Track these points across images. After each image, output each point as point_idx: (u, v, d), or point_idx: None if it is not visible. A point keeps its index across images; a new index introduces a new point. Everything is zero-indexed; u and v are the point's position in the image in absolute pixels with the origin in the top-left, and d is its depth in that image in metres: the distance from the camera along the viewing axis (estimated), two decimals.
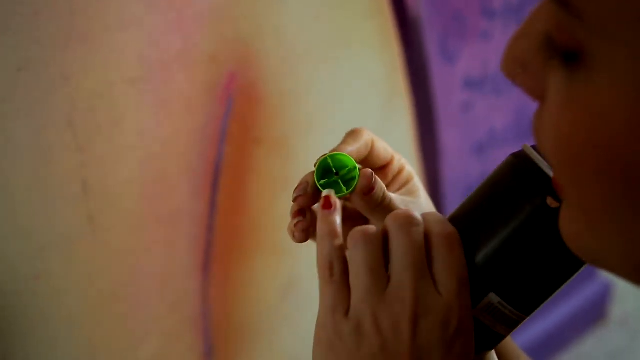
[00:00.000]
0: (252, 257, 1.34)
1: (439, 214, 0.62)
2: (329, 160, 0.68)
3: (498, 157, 1.92)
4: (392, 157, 0.73)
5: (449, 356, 0.57)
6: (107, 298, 1.15)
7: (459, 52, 1.67)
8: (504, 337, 0.63)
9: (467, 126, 1.76)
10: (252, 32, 1.24)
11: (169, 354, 1.25)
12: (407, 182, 0.74)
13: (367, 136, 0.71)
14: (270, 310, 1.40)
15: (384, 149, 0.72)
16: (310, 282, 1.47)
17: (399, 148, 0.76)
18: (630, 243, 0.41)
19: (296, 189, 0.68)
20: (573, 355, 2.29)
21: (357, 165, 0.71)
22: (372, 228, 0.61)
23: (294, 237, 0.68)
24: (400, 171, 0.74)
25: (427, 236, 0.60)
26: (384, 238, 0.61)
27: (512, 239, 0.59)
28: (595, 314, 2.38)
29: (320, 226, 0.63)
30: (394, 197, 0.69)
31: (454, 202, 1.74)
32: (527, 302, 0.61)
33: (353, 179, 0.67)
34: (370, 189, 0.66)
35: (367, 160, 0.72)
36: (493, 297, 0.60)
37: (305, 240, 0.69)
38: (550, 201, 0.56)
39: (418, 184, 0.75)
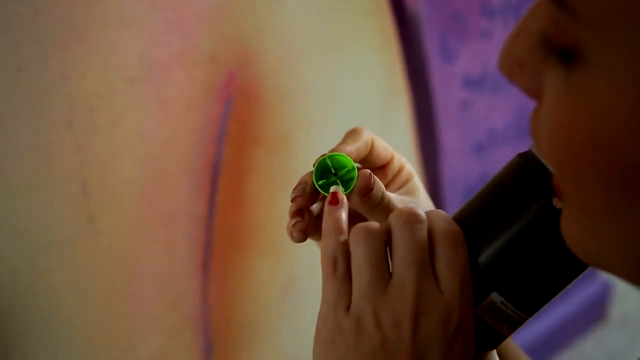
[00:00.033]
0: (252, 256, 1.34)
1: (443, 212, 0.62)
2: (328, 161, 0.68)
3: (498, 157, 1.93)
4: (392, 156, 0.73)
5: (449, 354, 0.57)
6: (107, 297, 1.15)
7: (458, 51, 1.66)
8: (506, 337, 0.63)
9: (466, 125, 1.76)
10: (252, 31, 1.24)
11: (169, 353, 1.25)
12: (406, 181, 0.74)
13: (366, 135, 0.71)
14: (269, 310, 1.40)
15: (384, 148, 0.72)
16: (310, 281, 1.47)
17: (399, 147, 0.76)
18: (631, 243, 0.41)
19: (294, 189, 0.68)
20: (573, 355, 2.29)
21: (357, 165, 0.71)
22: (375, 224, 0.61)
23: (292, 237, 0.68)
24: (400, 170, 0.74)
25: (430, 234, 0.60)
26: (388, 235, 0.61)
27: (516, 239, 0.59)
28: (595, 313, 2.38)
29: (326, 221, 0.63)
30: (393, 196, 0.69)
31: (454, 201, 1.74)
32: (530, 303, 0.61)
33: (352, 179, 0.67)
34: (368, 189, 0.66)
35: (367, 159, 0.72)
36: (495, 297, 0.60)
37: (304, 240, 0.69)
38: (556, 202, 0.56)
39: (418, 183, 0.75)
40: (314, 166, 0.68)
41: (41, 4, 0.98)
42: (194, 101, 1.18)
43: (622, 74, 0.38)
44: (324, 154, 0.68)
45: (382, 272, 0.59)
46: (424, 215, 0.60)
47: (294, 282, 1.41)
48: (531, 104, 0.45)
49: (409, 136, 1.62)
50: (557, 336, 2.23)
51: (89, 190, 1.08)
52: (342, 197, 0.65)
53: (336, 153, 0.68)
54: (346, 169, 0.68)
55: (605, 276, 2.33)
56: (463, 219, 0.62)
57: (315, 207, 0.71)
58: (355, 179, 0.67)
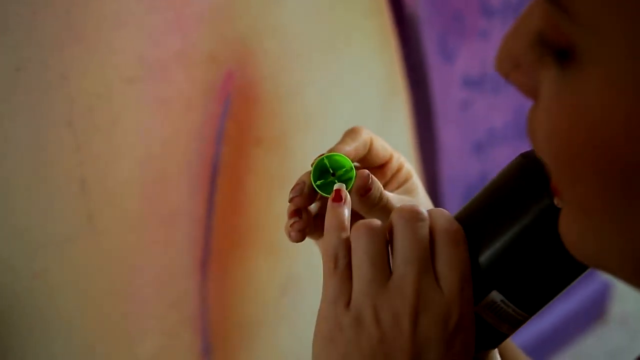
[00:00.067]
0: (250, 256, 1.34)
1: (445, 211, 0.62)
2: (326, 161, 0.68)
3: (497, 156, 1.93)
4: (391, 155, 0.73)
5: (448, 351, 0.57)
6: (106, 297, 1.15)
7: (457, 51, 1.66)
8: (507, 336, 0.63)
9: (466, 125, 1.76)
10: (251, 31, 1.24)
11: (168, 352, 1.25)
12: (405, 180, 0.74)
13: (365, 135, 0.71)
14: (268, 309, 1.40)
15: (383, 147, 0.72)
16: (309, 281, 1.47)
17: (398, 147, 0.76)
18: (630, 243, 0.41)
19: (292, 189, 0.68)
20: (573, 354, 2.29)
21: (355, 163, 0.71)
22: (376, 221, 0.61)
23: (290, 237, 0.68)
24: (398, 169, 0.74)
25: (432, 232, 0.60)
26: (389, 232, 0.61)
27: (517, 238, 0.59)
28: (595, 312, 2.38)
29: (328, 218, 0.63)
30: (392, 196, 0.69)
31: (453, 201, 1.74)
32: (531, 301, 0.60)
33: (350, 179, 0.67)
34: (366, 189, 0.66)
35: (366, 159, 0.72)
36: (496, 295, 0.60)
37: (302, 240, 0.69)
38: (557, 201, 0.56)
39: (417, 182, 0.75)
40: (312, 166, 0.68)
41: (40, 3, 0.98)
42: (193, 101, 1.18)
43: (617, 73, 0.38)
44: (322, 154, 0.68)
45: (383, 269, 0.59)
46: (425, 213, 0.60)
47: (292, 282, 1.41)
48: (531, 104, 0.45)
49: (408, 135, 1.62)
50: (557, 335, 2.23)
51: (88, 190, 1.08)
52: (346, 194, 0.65)
53: (334, 153, 0.68)
54: (344, 169, 0.68)
55: (605, 275, 2.33)
56: (464, 218, 0.62)
57: (313, 206, 0.71)
58: (353, 179, 0.67)
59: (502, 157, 1.81)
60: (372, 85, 1.50)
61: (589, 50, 0.39)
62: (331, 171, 0.68)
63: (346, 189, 0.66)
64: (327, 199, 0.66)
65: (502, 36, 0.46)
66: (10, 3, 0.96)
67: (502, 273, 0.59)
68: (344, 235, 0.62)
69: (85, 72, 1.05)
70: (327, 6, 1.35)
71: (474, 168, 1.80)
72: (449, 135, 1.71)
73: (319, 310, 0.61)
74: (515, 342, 0.76)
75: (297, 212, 0.68)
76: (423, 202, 0.74)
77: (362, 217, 0.71)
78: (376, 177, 0.70)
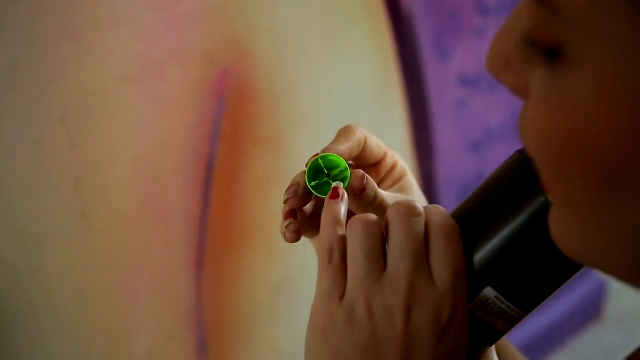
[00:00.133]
0: (246, 254, 1.34)
1: (441, 207, 0.62)
2: (320, 161, 0.68)
3: (494, 155, 1.92)
4: (385, 153, 0.73)
5: (440, 346, 0.58)
6: (101, 295, 1.15)
7: (453, 50, 1.66)
8: (502, 333, 0.63)
9: (462, 123, 1.76)
10: (246, 30, 1.24)
11: (163, 349, 1.25)
12: (400, 178, 0.74)
13: (359, 133, 0.71)
14: (263, 307, 1.40)
15: (377, 145, 0.72)
16: (304, 280, 1.47)
17: (394, 146, 0.76)
18: (617, 241, 0.41)
19: (287, 190, 0.68)
20: (569, 353, 2.29)
21: (350, 162, 0.70)
22: (373, 216, 0.61)
23: (285, 237, 0.68)
24: (393, 167, 0.74)
25: (427, 227, 0.60)
26: (385, 228, 0.61)
27: (511, 234, 0.59)
28: (591, 311, 2.38)
29: (324, 214, 0.63)
30: (386, 195, 0.69)
31: (450, 200, 1.74)
32: (525, 298, 0.60)
33: (345, 179, 0.67)
34: (362, 189, 0.66)
35: (360, 157, 0.72)
36: (490, 292, 0.60)
37: (297, 241, 0.69)
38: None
39: (411, 180, 0.75)
40: (306, 167, 0.68)
41: (35, 1, 0.98)
42: (189, 99, 1.18)
43: (604, 73, 0.38)
44: (317, 154, 0.68)
45: (377, 263, 0.59)
46: (421, 209, 0.60)
47: (288, 280, 1.41)
48: None
49: (404, 135, 1.62)
50: (554, 334, 2.23)
51: (83, 188, 1.08)
52: (343, 192, 0.65)
53: (328, 154, 0.68)
54: (339, 169, 0.68)
55: (601, 274, 2.33)
56: (460, 215, 0.62)
57: (308, 206, 0.71)
58: (348, 179, 0.67)
59: (499, 156, 1.81)
60: (368, 84, 1.50)
61: (577, 49, 0.39)
62: (326, 172, 0.68)
63: (344, 189, 0.66)
64: (322, 198, 0.66)
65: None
66: (6, 1, 0.96)
67: (496, 269, 0.59)
68: (340, 230, 0.62)
69: (80, 70, 1.04)
70: (322, 5, 1.35)
71: (470, 167, 1.80)
72: (445, 135, 1.71)
73: (313, 303, 0.61)
74: (512, 341, 0.76)
75: (292, 213, 0.68)
76: (418, 200, 0.74)
77: None
78: (370, 175, 0.71)
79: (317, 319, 0.60)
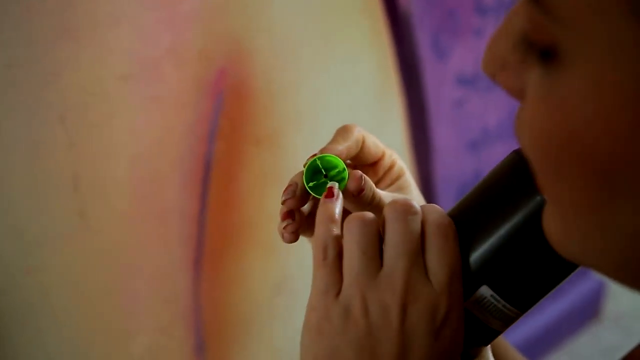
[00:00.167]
0: (244, 254, 1.34)
1: (437, 206, 0.62)
2: (318, 162, 0.68)
3: (491, 154, 1.92)
4: (383, 152, 0.73)
5: (435, 344, 0.58)
6: (99, 293, 1.15)
7: (451, 49, 1.66)
8: (498, 333, 0.63)
9: (460, 123, 1.76)
10: (243, 29, 1.24)
11: (161, 349, 1.25)
12: (398, 177, 0.74)
13: (357, 133, 0.71)
14: (261, 307, 1.40)
15: (375, 145, 0.72)
16: (302, 279, 1.47)
17: (391, 145, 0.76)
18: (612, 242, 0.41)
19: (285, 191, 0.68)
20: (567, 352, 2.29)
21: (348, 161, 0.70)
22: (369, 214, 0.61)
23: (283, 238, 0.68)
24: (391, 167, 0.74)
25: (423, 226, 0.60)
26: (382, 226, 0.61)
27: (507, 233, 0.59)
28: (589, 311, 2.38)
29: (319, 212, 0.64)
30: (384, 194, 0.69)
31: (448, 200, 1.74)
32: (521, 297, 0.60)
33: (342, 179, 0.67)
34: (360, 190, 0.66)
35: (358, 156, 0.72)
36: (485, 290, 0.60)
37: (295, 241, 0.69)
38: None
39: (409, 179, 0.75)
40: (304, 167, 0.68)
41: (34, 1, 0.98)
42: (186, 98, 1.18)
43: (599, 73, 0.38)
44: (314, 154, 0.68)
45: (373, 260, 0.59)
46: (418, 207, 0.60)
47: (286, 279, 1.41)
48: None
49: (402, 134, 1.62)
50: (552, 334, 2.23)
51: (80, 187, 1.08)
52: (338, 192, 0.65)
53: (326, 154, 0.68)
54: (337, 170, 0.68)
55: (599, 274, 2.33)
56: (456, 214, 0.62)
57: (306, 207, 0.71)
58: (346, 179, 0.67)
59: (497, 156, 1.81)
60: (365, 83, 1.50)
61: (572, 50, 0.39)
62: (324, 172, 0.68)
63: (339, 189, 0.66)
64: (319, 198, 0.66)
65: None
66: (5, 1, 0.95)
67: (492, 268, 0.60)
68: (334, 227, 0.62)
69: (78, 70, 1.04)
70: (319, 5, 1.35)
71: (468, 167, 1.80)
72: (443, 134, 1.71)
73: (308, 301, 0.61)
74: (510, 340, 0.76)
75: (290, 214, 0.68)
76: (416, 199, 0.74)
77: None
78: (368, 174, 0.71)
79: (312, 316, 0.60)
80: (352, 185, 0.66)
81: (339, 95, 1.43)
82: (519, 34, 0.43)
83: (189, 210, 1.23)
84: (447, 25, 1.64)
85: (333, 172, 0.68)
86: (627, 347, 0.57)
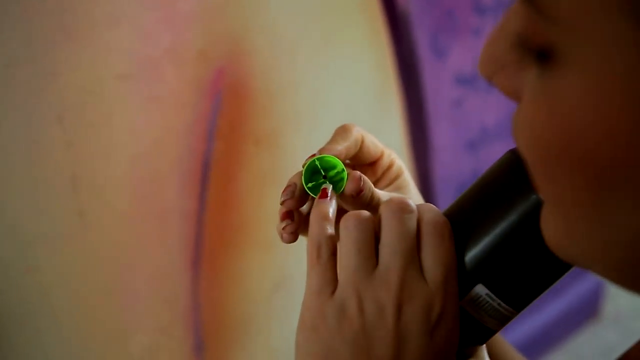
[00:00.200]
0: (242, 254, 1.34)
1: (433, 205, 0.62)
2: (317, 162, 0.68)
3: (490, 154, 1.92)
4: (382, 152, 0.73)
5: (430, 342, 0.58)
6: (98, 293, 1.15)
7: (450, 49, 1.66)
8: (494, 332, 0.63)
9: (458, 123, 1.76)
10: (242, 28, 1.24)
11: (160, 348, 1.25)
12: (396, 177, 0.74)
13: (356, 133, 0.71)
14: (260, 306, 1.40)
15: (374, 144, 0.72)
16: (301, 279, 1.46)
17: (390, 144, 0.76)
18: (608, 243, 0.41)
19: (284, 191, 0.68)
20: (566, 352, 2.29)
21: (347, 161, 0.70)
22: (365, 212, 0.61)
23: (282, 238, 0.69)
24: (389, 166, 0.74)
25: (419, 224, 0.60)
26: (378, 225, 0.61)
27: (503, 232, 0.59)
28: (588, 310, 2.38)
29: (313, 212, 0.64)
30: (383, 194, 0.69)
31: (446, 199, 1.74)
32: (516, 296, 0.61)
33: (341, 180, 0.67)
34: (358, 191, 0.66)
35: (357, 156, 0.72)
36: (481, 289, 0.60)
37: (294, 241, 0.69)
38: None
39: (408, 178, 0.75)
40: (303, 167, 0.68)
41: (32, 1, 0.98)
42: (184, 98, 1.18)
43: (594, 74, 0.38)
44: (313, 155, 0.68)
45: (369, 259, 0.59)
46: (414, 206, 0.61)
47: (285, 279, 1.41)
48: None
49: (400, 134, 1.62)
50: (551, 333, 2.23)
51: (79, 187, 1.08)
52: (332, 193, 0.65)
53: (325, 155, 0.68)
54: (335, 170, 0.68)
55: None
56: (452, 213, 0.62)
57: (304, 207, 0.71)
58: (345, 180, 0.67)
59: (495, 155, 1.81)
60: (364, 83, 1.50)
61: (568, 51, 0.39)
62: (322, 173, 0.68)
63: (338, 190, 0.66)
64: None
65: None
66: (3, 1, 0.95)
67: (487, 267, 0.60)
68: (328, 226, 0.62)
69: (76, 69, 1.04)
70: (318, 4, 1.35)
71: (466, 166, 1.81)
72: (441, 134, 1.71)
73: (303, 301, 0.61)
74: (509, 339, 0.76)
75: (289, 214, 0.68)
76: (414, 199, 0.74)
77: None
78: (367, 174, 0.71)
79: (307, 315, 0.60)
80: (351, 186, 0.66)
81: (338, 94, 1.43)
82: (515, 35, 0.43)
83: (188, 209, 1.23)
84: (445, 25, 1.64)
85: (332, 173, 0.68)
86: (626, 347, 0.57)
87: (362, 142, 0.71)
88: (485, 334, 0.63)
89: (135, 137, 1.13)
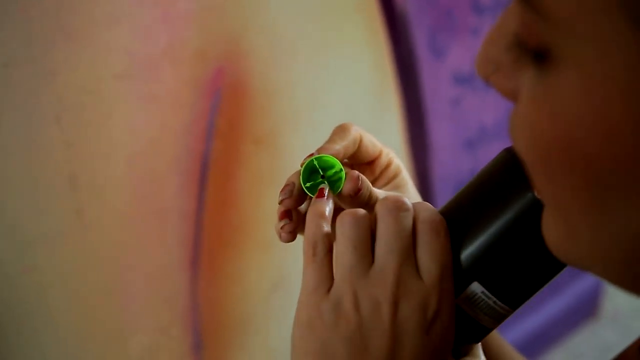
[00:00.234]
0: (241, 252, 1.34)
1: (429, 204, 0.62)
2: (315, 162, 0.68)
3: (488, 153, 1.92)
4: (380, 151, 0.73)
5: (426, 340, 0.58)
6: (96, 293, 1.15)
7: (448, 48, 1.66)
8: (489, 330, 0.63)
9: (457, 122, 1.77)
10: (240, 28, 1.24)
11: (159, 348, 1.25)
12: (395, 176, 0.74)
13: (354, 132, 0.71)
14: (258, 306, 1.40)
15: (372, 143, 0.72)
16: (299, 278, 1.46)
17: (388, 144, 0.76)
18: (607, 244, 0.41)
19: (282, 190, 0.68)
20: (565, 350, 2.30)
21: (345, 160, 0.70)
22: (362, 211, 0.61)
23: (280, 237, 0.69)
24: (387, 166, 0.74)
25: (415, 222, 0.60)
26: (374, 223, 0.61)
27: (499, 230, 0.59)
28: (587, 309, 2.38)
29: (309, 210, 0.64)
30: (381, 193, 0.69)
31: (444, 197, 1.74)
32: (512, 294, 0.61)
33: (339, 179, 0.67)
34: (357, 190, 0.67)
35: (355, 156, 0.72)
36: (476, 287, 0.60)
37: (292, 241, 0.69)
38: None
39: (406, 177, 0.75)
40: (301, 166, 0.68)
41: (31, 0, 0.98)
42: (183, 97, 1.18)
43: (590, 74, 0.38)
44: (312, 154, 0.68)
45: (365, 256, 0.60)
46: (410, 204, 0.61)
47: (283, 278, 1.41)
48: None
49: (398, 132, 1.62)
50: (549, 332, 2.23)
51: (77, 186, 1.08)
52: (329, 192, 0.66)
53: (323, 154, 0.68)
54: (334, 170, 0.68)
55: None
56: (448, 211, 0.62)
57: (303, 206, 0.71)
58: (343, 179, 0.67)
59: (493, 154, 1.81)
60: (362, 82, 1.50)
61: (565, 51, 0.39)
62: (321, 172, 0.68)
63: (336, 189, 0.67)
64: None
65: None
66: (2, 1, 0.95)
67: (483, 265, 0.60)
68: (324, 224, 0.62)
69: (74, 68, 1.04)
70: (317, 4, 1.35)
71: (465, 165, 1.81)
72: (439, 133, 1.71)
73: (299, 299, 0.61)
74: (507, 338, 0.77)
75: (287, 214, 0.68)
76: (412, 198, 0.74)
77: None
78: (365, 173, 0.71)
79: (303, 312, 0.60)
80: (349, 186, 0.67)
81: (337, 94, 1.43)
82: (511, 35, 0.43)
83: (186, 209, 1.23)
84: (443, 24, 1.64)
85: (330, 172, 0.68)
86: (625, 345, 0.57)
87: (361, 141, 0.71)
88: (480, 332, 0.63)
89: (134, 136, 1.13)
